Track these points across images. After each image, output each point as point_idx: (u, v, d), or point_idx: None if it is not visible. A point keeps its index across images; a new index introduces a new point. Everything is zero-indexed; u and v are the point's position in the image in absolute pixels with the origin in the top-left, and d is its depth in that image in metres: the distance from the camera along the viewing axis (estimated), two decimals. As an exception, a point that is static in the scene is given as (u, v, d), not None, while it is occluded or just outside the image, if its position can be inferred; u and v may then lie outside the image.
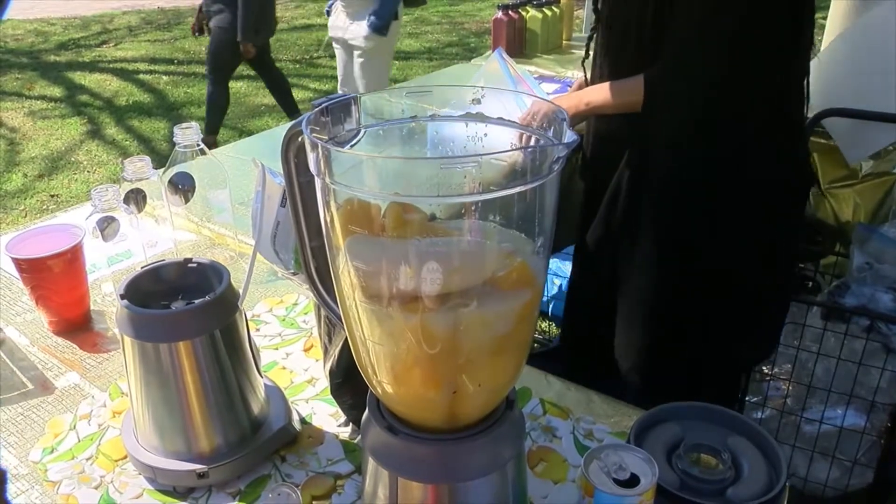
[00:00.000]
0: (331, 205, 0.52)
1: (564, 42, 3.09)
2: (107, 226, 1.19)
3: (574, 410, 1.01)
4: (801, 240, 1.51)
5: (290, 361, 1.13)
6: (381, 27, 3.74)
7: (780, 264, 1.45)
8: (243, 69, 6.61)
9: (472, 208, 0.50)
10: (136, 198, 1.30)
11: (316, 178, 0.52)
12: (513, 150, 0.47)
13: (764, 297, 1.45)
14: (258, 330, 1.21)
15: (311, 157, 0.52)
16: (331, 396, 0.96)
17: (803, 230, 1.50)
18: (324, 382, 1.06)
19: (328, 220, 0.54)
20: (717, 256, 1.40)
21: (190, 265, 0.93)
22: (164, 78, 6.59)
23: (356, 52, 3.90)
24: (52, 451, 0.96)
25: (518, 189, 0.49)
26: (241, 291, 0.87)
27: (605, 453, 0.72)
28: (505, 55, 2.06)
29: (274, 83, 5.03)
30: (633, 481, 0.70)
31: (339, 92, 4.01)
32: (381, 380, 0.60)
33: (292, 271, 0.85)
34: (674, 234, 1.42)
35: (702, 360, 1.49)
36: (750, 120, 1.34)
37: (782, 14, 1.27)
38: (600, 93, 1.40)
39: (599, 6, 1.46)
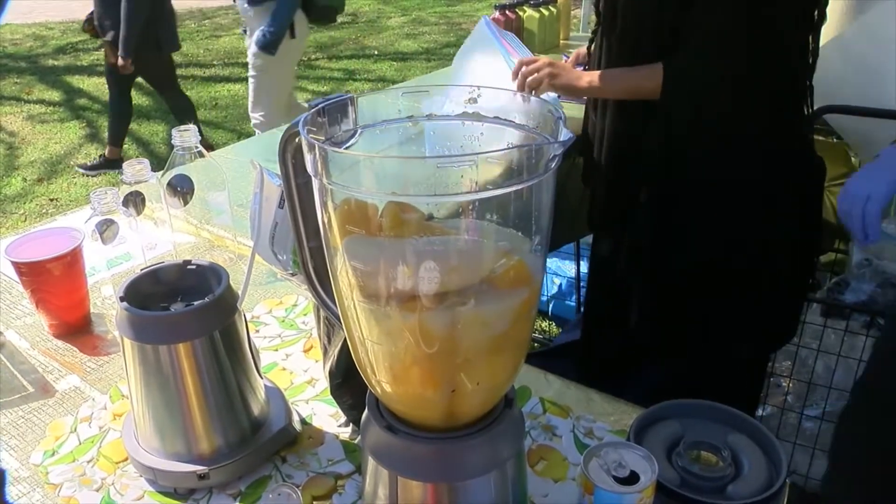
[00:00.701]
0: (328, 205, 0.53)
1: (562, 41, 3.09)
2: (106, 229, 1.19)
3: (574, 409, 1.01)
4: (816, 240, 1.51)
5: (289, 362, 1.13)
6: (266, 45, 3.49)
7: (779, 261, 1.45)
8: (240, 71, 6.63)
9: (469, 207, 0.50)
10: (135, 200, 1.30)
11: (313, 178, 0.52)
12: (508, 148, 0.47)
13: (764, 295, 1.45)
14: (258, 331, 1.21)
15: (308, 157, 0.52)
16: (331, 397, 0.96)
17: (817, 232, 1.50)
18: (323, 383, 1.06)
19: (326, 220, 0.54)
20: (717, 253, 1.40)
21: (189, 267, 0.93)
22: (163, 81, 6.58)
23: (249, 69, 3.70)
24: (53, 454, 0.96)
25: (514, 188, 0.49)
26: (240, 293, 0.87)
27: (605, 451, 0.72)
28: (491, 23, 2.07)
29: (177, 106, 4.64)
30: (632, 479, 0.70)
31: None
32: (381, 379, 0.60)
33: (291, 272, 0.85)
34: (682, 233, 1.43)
35: (704, 358, 1.49)
36: (760, 116, 1.34)
37: (798, 12, 1.29)
38: (605, 75, 1.39)
39: (601, 7, 1.45)
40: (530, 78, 1.49)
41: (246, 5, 3.53)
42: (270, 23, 3.48)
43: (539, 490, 0.88)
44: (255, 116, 3.88)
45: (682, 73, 1.30)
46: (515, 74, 1.54)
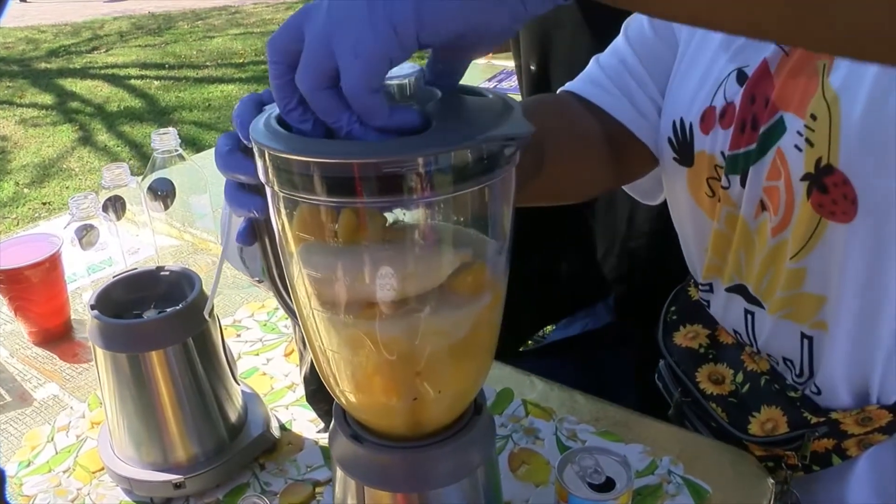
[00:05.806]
0: (281, 212, 0.51)
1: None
2: (85, 234, 1.18)
3: (557, 411, 1.00)
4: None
5: (270, 367, 1.12)
6: None
7: None
8: (233, 72, 6.61)
9: (426, 211, 0.49)
10: (115, 205, 1.30)
11: (265, 185, 0.51)
12: (460, 147, 0.45)
13: None
14: (239, 335, 1.20)
15: (259, 164, 0.50)
16: (309, 402, 0.95)
17: None
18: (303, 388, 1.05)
19: (280, 227, 0.53)
20: None
21: (162, 273, 0.92)
22: (156, 83, 6.57)
23: None
24: (28, 465, 0.95)
25: (469, 190, 0.47)
26: (209, 298, 0.85)
27: (580, 457, 0.71)
28: None
29: None
30: (608, 485, 0.69)
31: None
32: (343, 389, 0.59)
33: (258, 279, 0.84)
34: None
35: None
36: None
37: None
38: None
39: None
40: None
41: None
42: None
43: (520, 495, 0.86)
44: None
45: None
46: None
